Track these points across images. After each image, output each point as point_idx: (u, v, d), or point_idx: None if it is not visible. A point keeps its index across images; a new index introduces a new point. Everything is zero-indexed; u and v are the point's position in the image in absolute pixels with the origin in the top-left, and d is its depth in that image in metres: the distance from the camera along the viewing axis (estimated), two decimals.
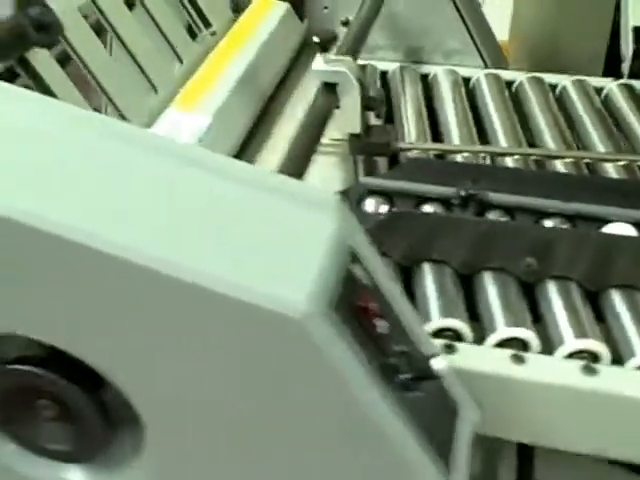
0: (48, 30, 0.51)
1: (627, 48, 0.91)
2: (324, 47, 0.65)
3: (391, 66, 0.90)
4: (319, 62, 0.65)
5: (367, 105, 0.65)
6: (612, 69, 1.05)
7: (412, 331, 0.49)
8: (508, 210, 0.60)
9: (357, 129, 0.67)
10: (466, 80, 0.88)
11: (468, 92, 0.86)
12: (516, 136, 0.77)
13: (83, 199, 0.42)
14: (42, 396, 0.49)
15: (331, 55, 0.66)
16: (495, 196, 0.59)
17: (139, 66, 0.71)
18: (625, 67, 0.89)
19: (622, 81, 0.87)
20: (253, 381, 0.42)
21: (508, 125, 0.79)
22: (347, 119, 0.66)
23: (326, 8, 0.91)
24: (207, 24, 0.81)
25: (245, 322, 0.40)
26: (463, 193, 0.57)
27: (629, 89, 0.86)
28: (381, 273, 0.47)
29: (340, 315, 0.41)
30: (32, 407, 0.49)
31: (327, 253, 0.42)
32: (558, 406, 0.52)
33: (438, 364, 0.45)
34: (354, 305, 0.43)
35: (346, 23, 0.89)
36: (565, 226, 0.60)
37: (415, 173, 0.63)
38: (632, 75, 0.90)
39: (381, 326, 0.45)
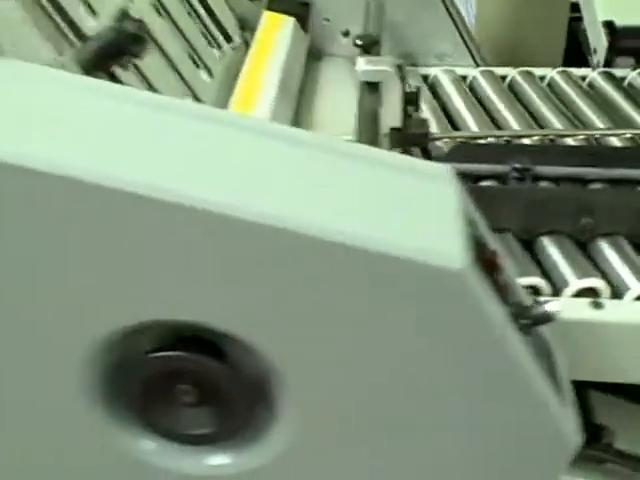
0: (140, 42, 0.54)
1: (598, 41, 1.01)
2: (366, 50, 0.70)
3: None
4: (362, 63, 0.71)
5: (407, 100, 0.71)
6: (570, 61, 1.15)
7: (514, 282, 0.55)
8: (555, 180, 0.67)
9: (398, 123, 0.72)
10: (463, 78, 0.96)
11: (469, 88, 0.94)
12: (525, 120, 0.85)
13: (210, 173, 0.46)
14: (183, 381, 0.52)
15: (372, 57, 0.72)
16: (544, 169, 0.66)
17: (182, 78, 0.74)
18: (600, 57, 0.98)
19: (602, 69, 0.96)
20: (406, 336, 0.47)
21: (515, 112, 0.87)
22: (390, 114, 0.71)
23: (327, 20, 0.97)
24: (228, 39, 0.85)
25: (402, 278, 0.45)
26: (519, 166, 0.64)
27: (610, 76, 0.95)
28: (487, 233, 0.53)
29: (480, 268, 0.46)
30: (172, 394, 0.51)
31: (456, 216, 0.48)
32: (636, 344, 0.59)
33: (553, 307, 0.51)
34: (484, 260, 0.49)
35: (347, 34, 0.95)
36: None
37: (462, 157, 0.69)
38: (605, 65, 1.00)
39: (502, 278, 0.51)
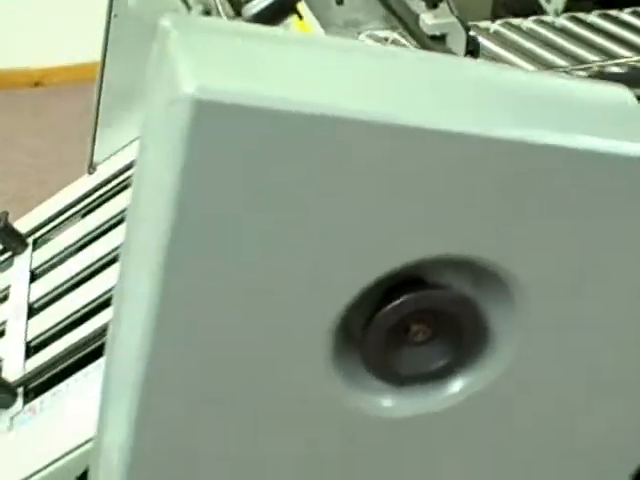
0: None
1: None
2: (434, 4, 0.74)
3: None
4: (429, 18, 0.74)
5: (469, 50, 0.76)
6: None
7: None
8: None
9: None
10: None
11: None
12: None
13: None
14: (419, 321, 0.53)
15: (434, 11, 0.75)
16: None
17: None
18: (558, 4, 1.08)
19: (569, 14, 1.07)
20: None
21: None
22: None
23: None
24: None
25: None
26: None
27: (576, 19, 1.06)
28: None
29: None
30: (405, 339, 0.53)
31: None
32: None
33: None
34: None
35: (340, 2, 0.98)
36: None
37: None
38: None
39: None
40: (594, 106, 0.51)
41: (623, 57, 0.91)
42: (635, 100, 0.55)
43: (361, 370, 0.53)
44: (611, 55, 0.94)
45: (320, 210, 0.45)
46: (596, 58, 0.94)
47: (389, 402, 0.54)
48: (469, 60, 0.54)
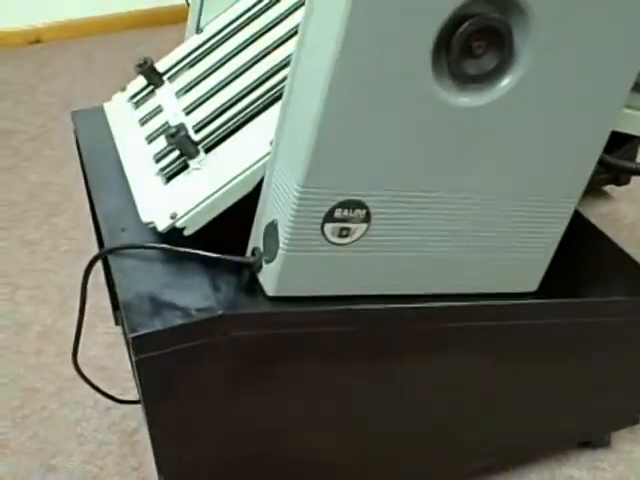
0: None
1: None
2: None
3: None
4: None
5: None
6: None
7: None
8: None
9: None
10: None
11: None
12: None
13: None
14: (478, 39, 0.93)
15: None
16: None
17: None
18: None
19: None
20: None
21: None
22: None
23: None
24: None
25: None
26: None
27: None
28: None
29: None
30: (472, 52, 0.92)
31: None
32: None
33: None
34: None
35: None
36: None
37: None
38: None
39: None
40: None
41: None
42: None
43: (447, 76, 0.93)
44: None
45: None
46: None
47: (463, 97, 0.94)
48: None
